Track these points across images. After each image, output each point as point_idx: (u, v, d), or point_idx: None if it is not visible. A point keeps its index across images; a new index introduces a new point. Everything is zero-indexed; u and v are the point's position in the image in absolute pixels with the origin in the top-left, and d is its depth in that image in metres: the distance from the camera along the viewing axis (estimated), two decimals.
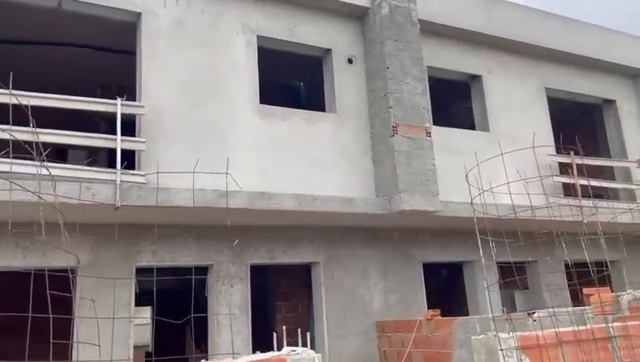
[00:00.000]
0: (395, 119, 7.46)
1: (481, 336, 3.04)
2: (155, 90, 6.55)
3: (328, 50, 8.00)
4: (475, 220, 3.93)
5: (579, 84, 10.61)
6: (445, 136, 8.59)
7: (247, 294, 7.13)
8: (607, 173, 11.20)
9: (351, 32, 8.17)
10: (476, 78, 9.38)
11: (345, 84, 7.94)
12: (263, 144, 7.10)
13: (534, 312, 4.69)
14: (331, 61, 7.95)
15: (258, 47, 7.42)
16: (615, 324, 3.02)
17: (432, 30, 8.84)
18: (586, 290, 6.25)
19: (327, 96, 7.99)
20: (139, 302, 7.02)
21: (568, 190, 9.50)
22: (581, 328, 2.91)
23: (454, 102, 10.81)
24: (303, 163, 7.33)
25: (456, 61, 9.17)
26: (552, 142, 9.68)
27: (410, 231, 8.62)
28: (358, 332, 7.78)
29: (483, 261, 4.46)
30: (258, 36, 7.40)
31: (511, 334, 2.80)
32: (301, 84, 10.22)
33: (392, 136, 7.42)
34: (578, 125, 12.20)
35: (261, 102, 7.28)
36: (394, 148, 7.35)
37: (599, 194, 10.99)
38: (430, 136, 7.73)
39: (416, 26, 8.05)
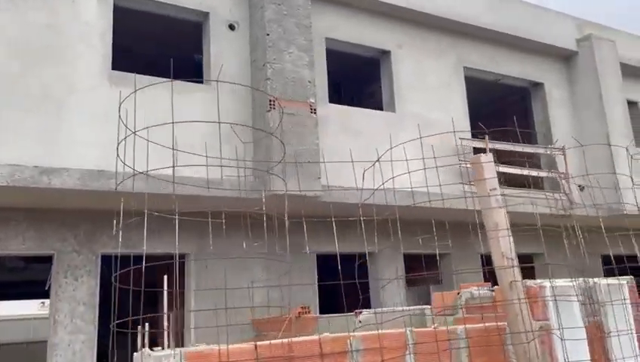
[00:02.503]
0: (273, 92, 6.63)
1: (141, 352, 2.24)
2: None
3: (206, 14, 7.11)
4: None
5: (505, 65, 9.89)
6: (343, 115, 7.81)
7: (95, 288, 6.26)
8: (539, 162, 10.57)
9: None
10: (385, 53, 8.60)
11: (224, 52, 7.06)
12: (114, 116, 6.19)
13: (361, 312, 3.92)
14: (209, 26, 7.07)
15: (117, 7, 6.50)
16: (364, 334, 2.26)
17: None
18: (462, 285, 5.55)
19: (205, 65, 7.11)
20: None
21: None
22: (299, 339, 2.13)
23: (373, 81, 10.04)
24: (167, 139, 6.44)
25: (363, 34, 8.35)
26: (468, 126, 8.97)
27: (306, 219, 7.85)
28: (232, 330, 6.95)
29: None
30: None
31: (177, 350, 2.02)
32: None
33: (269, 111, 6.59)
34: (514, 111, 11.54)
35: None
36: (269, 125, 6.52)
37: (524, 183, 10.35)
38: (315, 113, 6.92)
39: None
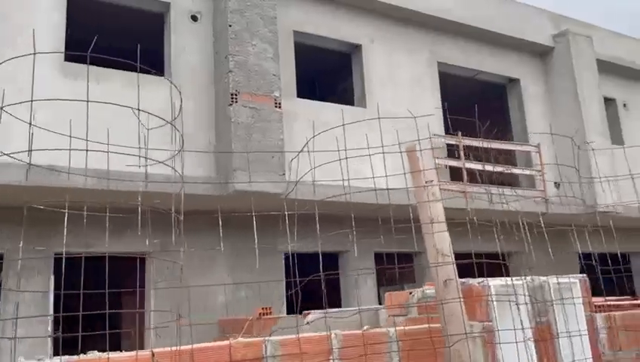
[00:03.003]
0: (236, 85, 6.41)
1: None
2: None
3: (167, 5, 6.87)
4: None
5: (480, 60, 9.76)
6: (312, 111, 7.61)
7: (50, 289, 6.00)
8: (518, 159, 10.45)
9: None
10: (357, 47, 8.41)
11: (185, 44, 6.83)
12: (66, 109, 5.93)
13: (309, 313, 3.73)
14: (170, 17, 6.84)
15: None
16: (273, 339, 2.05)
17: None
18: (428, 283, 5.39)
19: (166, 57, 6.88)
20: None
21: (457, 175, 8.67)
22: (204, 346, 1.94)
23: (347, 77, 9.86)
24: (122, 133, 6.19)
25: (333, 28, 8.16)
26: (441, 122, 8.81)
27: (271, 217, 7.64)
28: (195, 332, 6.74)
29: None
30: None
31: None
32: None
33: (231, 104, 6.37)
34: (493, 108, 11.41)
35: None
36: (231, 119, 6.30)
37: (503, 181, 10.23)
38: (280, 107, 6.72)
39: None
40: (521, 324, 2.67)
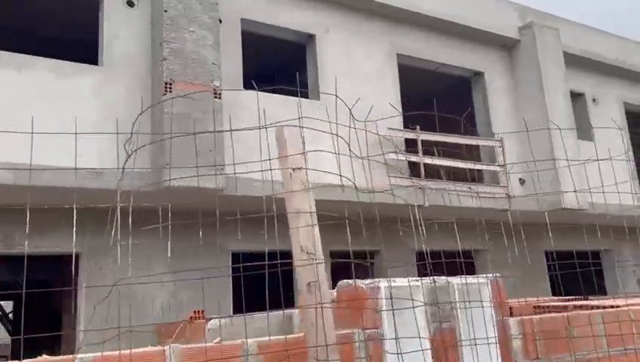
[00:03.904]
0: (170, 74, 6.03)
1: None
2: None
3: None
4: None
5: (443, 53, 9.46)
6: (260, 103, 7.24)
7: None
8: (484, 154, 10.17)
9: None
10: (311, 37, 8.07)
11: (120, 30, 6.43)
12: None
13: (210, 318, 3.38)
14: (104, 2, 6.43)
15: None
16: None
17: None
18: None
19: (99, 45, 6.47)
20: None
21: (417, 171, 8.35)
22: None
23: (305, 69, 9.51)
24: (48, 125, 5.78)
25: (284, 16, 7.80)
26: (400, 116, 8.49)
27: (220, 215, 7.27)
28: (129, 337, 6.35)
29: None
30: None
31: None
32: None
33: (164, 94, 5.99)
34: (461, 103, 11.13)
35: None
36: (164, 110, 5.93)
37: (472, 177, 9.95)
38: (220, 98, 6.35)
39: None
40: (418, 331, 2.35)
